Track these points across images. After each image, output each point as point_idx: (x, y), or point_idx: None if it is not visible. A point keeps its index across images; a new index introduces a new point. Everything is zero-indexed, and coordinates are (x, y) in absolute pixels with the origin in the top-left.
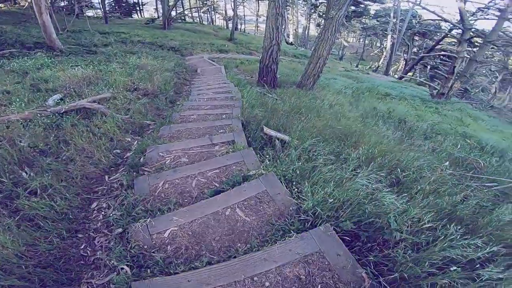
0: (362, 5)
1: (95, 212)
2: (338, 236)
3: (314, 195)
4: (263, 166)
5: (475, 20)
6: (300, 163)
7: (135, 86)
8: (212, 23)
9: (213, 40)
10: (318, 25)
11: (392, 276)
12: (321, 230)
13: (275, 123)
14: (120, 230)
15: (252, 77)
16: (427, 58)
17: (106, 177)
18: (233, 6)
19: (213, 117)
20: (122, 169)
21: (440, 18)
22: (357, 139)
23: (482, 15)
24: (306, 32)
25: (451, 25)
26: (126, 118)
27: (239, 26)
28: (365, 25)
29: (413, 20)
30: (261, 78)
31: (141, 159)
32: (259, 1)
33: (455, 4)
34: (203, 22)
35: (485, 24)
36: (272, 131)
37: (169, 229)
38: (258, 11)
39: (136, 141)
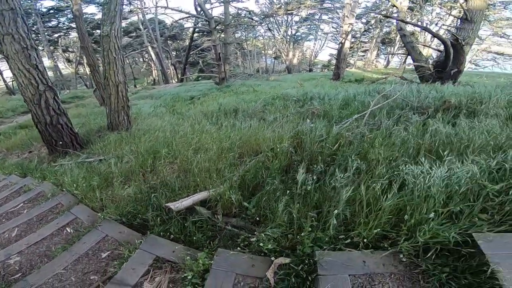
0: None
1: None
2: None
3: None
4: None
5: (211, 9)
6: None
7: None
8: None
9: None
10: (68, 60)
11: None
12: None
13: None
14: None
15: (31, 151)
16: (191, 56)
17: None
18: None
19: (51, 241)
20: None
21: (188, 15)
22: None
23: (214, 3)
24: (59, 73)
25: (196, 19)
26: None
27: None
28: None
29: (161, 27)
30: (52, 144)
31: None
32: None
33: (188, 0)
34: None
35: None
36: (181, 201)
37: None
38: None
39: None
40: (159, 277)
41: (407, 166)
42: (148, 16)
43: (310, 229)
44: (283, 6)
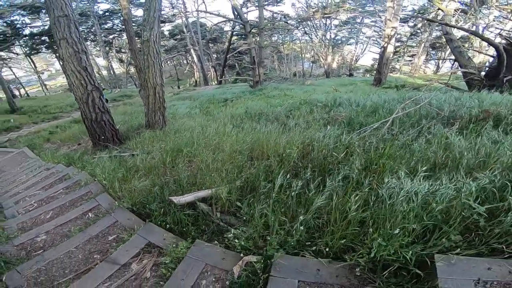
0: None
1: None
2: None
3: None
4: None
5: (247, 13)
6: None
7: None
8: None
9: None
10: (121, 60)
11: None
12: None
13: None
14: None
15: (80, 144)
16: (229, 59)
17: None
18: None
19: (75, 224)
20: None
21: (225, 19)
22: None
23: (250, 7)
24: (112, 72)
25: (234, 23)
26: None
27: (16, 92)
28: (166, 47)
29: (203, 30)
30: (95, 138)
31: None
32: (31, 57)
33: (228, 4)
34: None
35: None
36: (183, 196)
37: None
38: (36, 68)
39: None
40: (146, 260)
41: (391, 179)
42: (190, 20)
43: (282, 232)
44: (320, 10)
